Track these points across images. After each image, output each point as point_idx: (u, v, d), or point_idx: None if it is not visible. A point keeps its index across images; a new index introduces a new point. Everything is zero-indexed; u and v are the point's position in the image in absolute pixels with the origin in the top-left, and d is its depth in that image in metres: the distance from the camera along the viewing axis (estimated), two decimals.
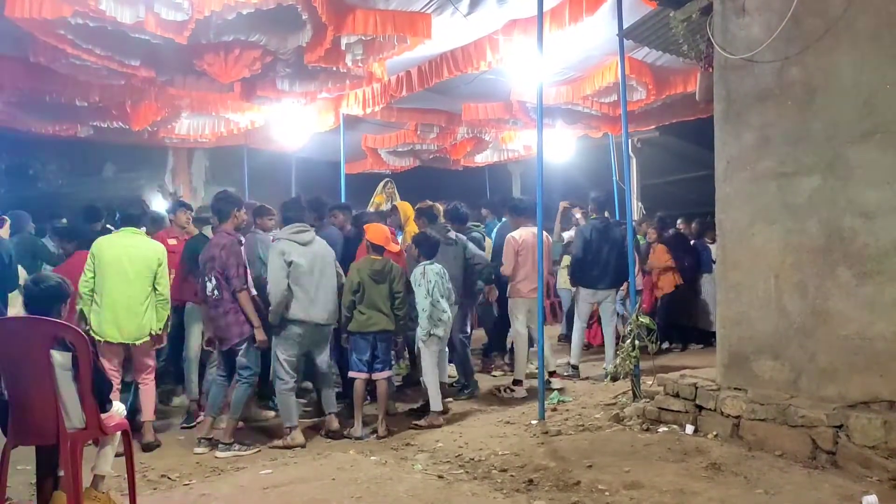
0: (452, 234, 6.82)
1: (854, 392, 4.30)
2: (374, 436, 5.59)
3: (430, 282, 5.87)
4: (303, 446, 5.39)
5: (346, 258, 6.39)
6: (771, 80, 4.73)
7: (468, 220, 7.54)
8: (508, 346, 8.04)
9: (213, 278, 5.35)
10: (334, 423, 5.66)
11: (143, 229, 5.67)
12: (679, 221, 9.73)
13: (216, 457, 5.19)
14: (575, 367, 7.55)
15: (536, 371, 6.02)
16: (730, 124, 4.99)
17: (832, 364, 4.42)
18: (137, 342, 5.29)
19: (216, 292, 5.35)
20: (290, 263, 5.45)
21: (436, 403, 5.86)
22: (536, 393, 6.74)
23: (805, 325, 4.55)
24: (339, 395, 6.43)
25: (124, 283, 5.26)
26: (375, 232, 5.93)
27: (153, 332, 5.39)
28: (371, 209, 8.60)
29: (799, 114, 4.60)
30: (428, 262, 6.01)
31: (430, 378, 5.92)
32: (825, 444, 4.19)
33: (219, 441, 5.30)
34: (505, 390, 6.94)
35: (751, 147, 4.85)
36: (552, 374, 6.94)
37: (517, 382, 6.97)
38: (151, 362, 5.50)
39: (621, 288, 7.55)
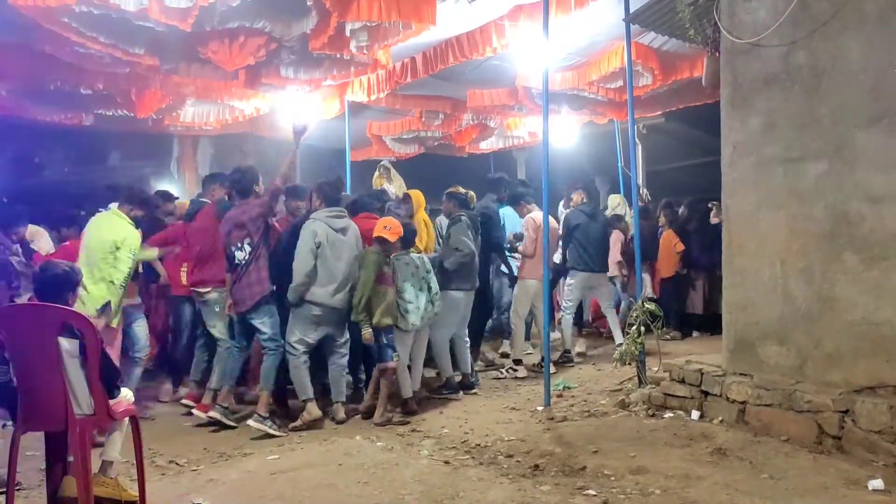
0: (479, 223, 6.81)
1: (860, 377, 4.30)
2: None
3: (397, 271, 5.83)
4: (321, 418, 5.48)
5: None
6: (778, 65, 4.70)
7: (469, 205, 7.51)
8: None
9: (245, 245, 5.48)
10: (340, 413, 5.68)
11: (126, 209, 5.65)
12: (712, 209, 9.54)
13: (249, 424, 5.30)
14: (567, 352, 7.59)
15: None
16: (736, 109, 4.97)
17: (838, 349, 4.42)
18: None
19: (248, 257, 5.47)
20: (319, 245, 5.51)
21: (405, 391, 5.86)
22: (537, 373, 6.87)
23: (811, 310, 4.54)
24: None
25: (85, 262, 5.32)
26: (379, 224, 5.89)
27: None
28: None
29: (806, 98, 4.58)
30: (403, 251, 5.91)
31: (399, 369, 5.85)
32: (831, 429, 4.20)
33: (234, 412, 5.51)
34: (508, 370, 7.11)
35: (757, 132, 4.83)
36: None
37: (518, 362, 7.14)
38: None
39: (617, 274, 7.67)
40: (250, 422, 5.33)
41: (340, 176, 6.23)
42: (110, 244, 5.34)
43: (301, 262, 5.50)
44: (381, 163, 7.96)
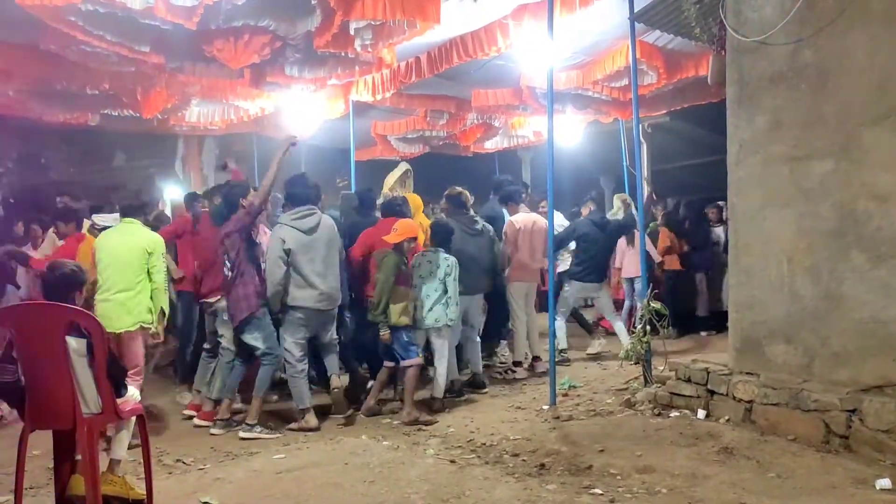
0: (479, 224, 6.80)
1: (867, 376, 4.28)
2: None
3: (415, 267, 5.90)
4: (317, 429, 5.44)
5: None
6: (784, 63, 4.69)
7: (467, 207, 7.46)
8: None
9: (226, 261, 5.47)
10: (336, 382, 5.73)
11: (141, 219, 5.70)
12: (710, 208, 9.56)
13: (240, 437, 5.25)
14: (563, 351, 7.59)
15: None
16: (742, 108, 4.96)
17: (845, 348, 4.41)
18: (119, 331, 5.22)
19: (232, 273, 5.46)
20: (288, 252, 5.45)
21: (437, 391, 5.96)
22: (535, 375, 6.99)
23: (818, 308, 4.53)
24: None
25: (115, 272, 5.29)
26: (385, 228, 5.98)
27: (143, 325, 5.35)
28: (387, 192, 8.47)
29: (812, 97, 4.56)
30: (432, 250, 5.98)
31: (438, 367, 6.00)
32: (838, 428, 4.19)
33: (242, 422, 5.45)
34: (506, 371, 7.18)
35: (763, 130, 4.82)
36: (536, 358, 7.27)
37: (517, 364, 7.18)
38: (139, 360, 5.38)
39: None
40: (241, 433, 5.29)
41: (304, 172, 6.09)
42: (141, 250, 5.34)
43: (271, 271, 5.49)
44: (406, 168, 7.88)
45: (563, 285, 7.82)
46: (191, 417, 5.86)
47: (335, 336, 5.91)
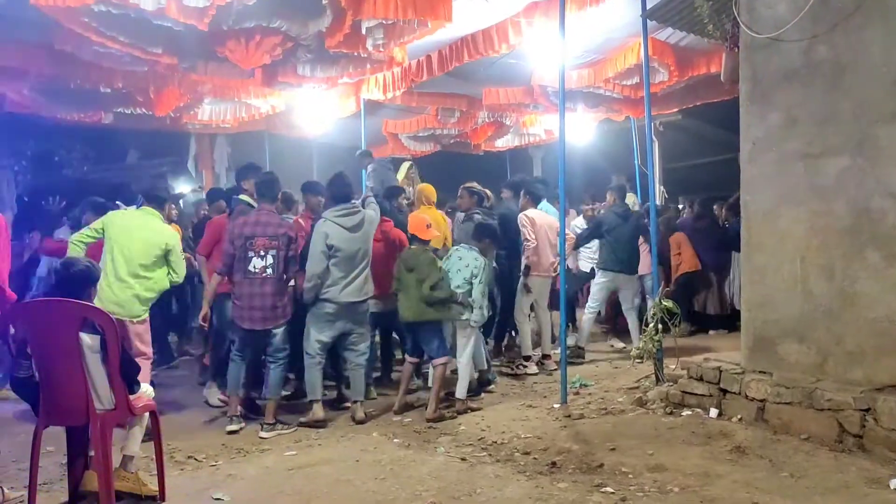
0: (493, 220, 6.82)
1: (882, 375, 4.25)
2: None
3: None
4: (323, 420, 5.45)
5: None
6: (798, 60, 4.66)
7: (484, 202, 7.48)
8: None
9: (269, 255, 5.37)
10: (359, 412, 5.56)
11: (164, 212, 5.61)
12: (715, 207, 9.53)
13: (260, 437, 5.23)
14: (580, 349, 7.57)
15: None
16: (755, 105, 4.93)
17: (859, 347, 4.37)
18: (132, 319, 5.16)
19: (269, 270, 5.37)
20: (331, 247, 5.43)
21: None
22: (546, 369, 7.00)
23: (832, 307, 4.50)
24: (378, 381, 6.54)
25: (125, 258, 5.18)
26: (412, 222, 5.90)
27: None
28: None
29: (826, 93, 4.53)
30: (465, 246, 5.92)
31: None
32: (852, 427, 4.15)
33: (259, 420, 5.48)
34: (517, 367, 7.14)
35: (777, 128, 4.79)
36: (546, 356, 7.23)
37: (527, 358, 7.16)
38: (145, 348, 5.26)
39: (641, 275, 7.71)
40: (261, 433, 5.27)
41: (342, 171, 6.05)
42: (161, 247, 5.24)
43: (313, 265, 5.44)
44: (409, 163, 7.90)
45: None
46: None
47: (363, 350, 5.72)
